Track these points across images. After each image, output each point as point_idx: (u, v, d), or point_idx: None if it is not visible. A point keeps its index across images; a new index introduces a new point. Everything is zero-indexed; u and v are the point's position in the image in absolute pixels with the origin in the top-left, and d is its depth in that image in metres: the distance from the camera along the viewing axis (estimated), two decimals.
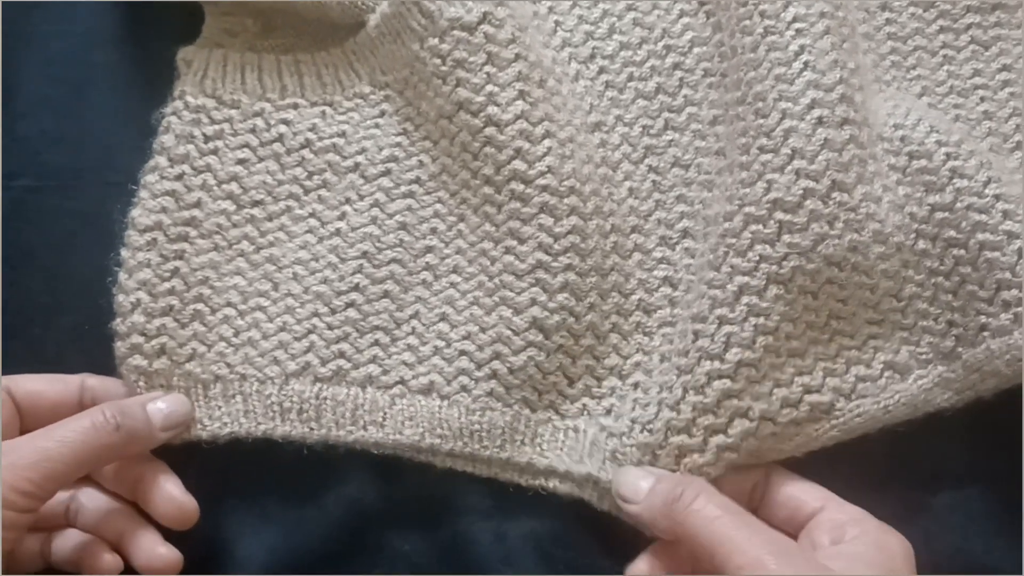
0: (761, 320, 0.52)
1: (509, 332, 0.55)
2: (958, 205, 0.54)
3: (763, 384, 0.53)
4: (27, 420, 0.53)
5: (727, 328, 0.53)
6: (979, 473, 0.55)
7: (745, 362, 0.52)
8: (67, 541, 0.54)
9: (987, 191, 0.53)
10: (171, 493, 0.53)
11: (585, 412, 0.56)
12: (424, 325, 0.57)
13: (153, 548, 0.53)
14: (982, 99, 0.60)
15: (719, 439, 0.52)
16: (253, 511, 0.56)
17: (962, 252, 0.54)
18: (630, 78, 0.60)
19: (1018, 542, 0.54)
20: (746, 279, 0.53)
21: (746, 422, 0.52)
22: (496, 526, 0.55)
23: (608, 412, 0.56)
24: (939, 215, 0.54)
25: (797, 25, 0.55)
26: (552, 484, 0.55)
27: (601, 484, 0.54)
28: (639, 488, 0.52)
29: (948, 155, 0.55)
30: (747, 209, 0.53)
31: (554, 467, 0.55)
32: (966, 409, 0.54)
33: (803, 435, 0.53)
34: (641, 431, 0.54)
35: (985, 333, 0.53)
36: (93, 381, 0.55)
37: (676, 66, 0.60)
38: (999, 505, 0.55)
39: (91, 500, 0.54)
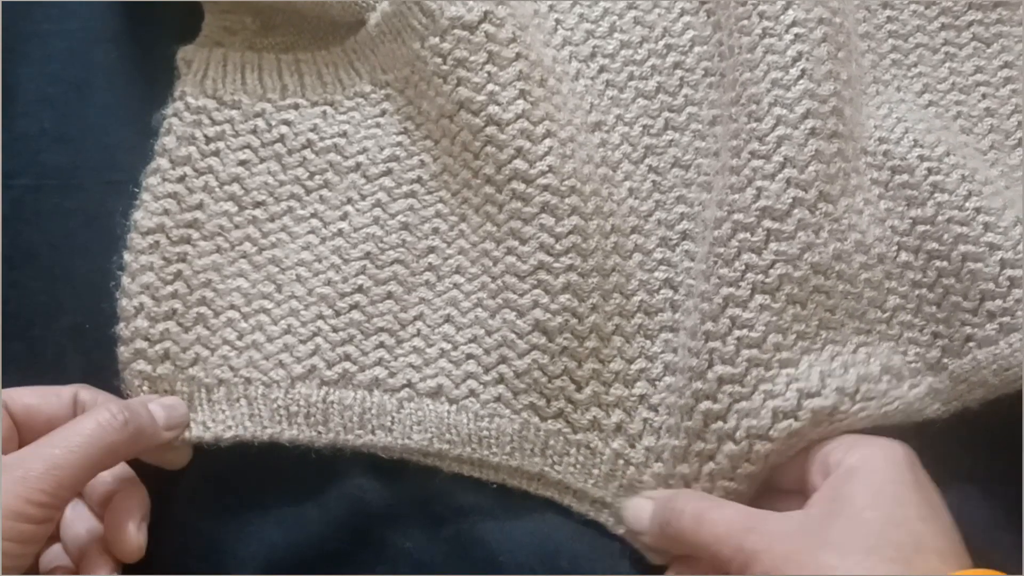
0: (744, 332, 0.52)
1: (513, 335, 0.55)
2: (939, 218, 0.54)
3: (751, 400, 0.52)
4: (24, 435, 0.52)
5: (711, 344, 0.53)
6: (980, 474, 0.55)
7: (726, 378, 0.52)
8: (48, 557, 0.54)
9: (968, 204, 0.54)
10: (125, 526, 0.52)
11: (596, 427, 0.56)
12: (429, 327, 0.57)
13: None
14: (984, 96, 0.60)
15: (710, 466, 0.53)
16: (254, 509, 0.56)
17: (945, 264, 0.54)
18: (631, 77, 0.60)
19: (1019, 543, 0.54)
20: (731, 290, 0.53)
21: (732, 445, 0.52)
22: (500, 525, 0.55)
23: (618, 428, 0.56)
24: (921, 228, 0.55)
25: (796, 30, 0.55)
26: (567, 501, 0.55)
27: (615, 508, 0.55)
28: (643, 519, 0.53)
29: (929, 170, 0.55)
30: (735, 216, 0.54)
31: (568, 483, 0.55)
32: (967, 409, 0.55)
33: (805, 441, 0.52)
34: (656, 460, 0.55)
35: (971, 343, 0.54)
36: (86, 395, 0.54)
37: (677, 65, 0.60)
38: (1000, 506, 0.55)
39: (71, 514, 0.54)
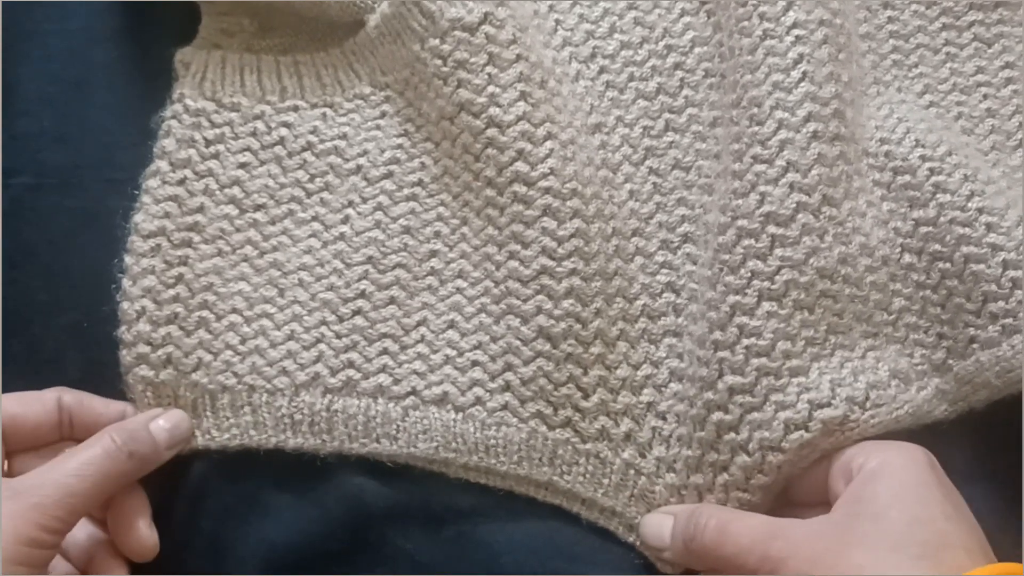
0: (753, 340, 0.52)
1: (518, 342, 0.55)
2: (941, 219, 0.54)
3: (763, 411, 0.52)
4: (10, 445, 0.53)
5: (720, 353, 0.53)
6: (983, 473, 0.55)
7: (737, 388, 0.52)
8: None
9: (970, 205, 0.54)
10: (136, 526, 0.53)
11: (604, 436, 0.55)
12: (433, 332, 0.56)
13: None
14: (985, 96, 0.60)
15: (723, 477, 0.53)
16: (254, 508, 0.56)
17: (948, 265, 0.54)
18: (631, 78, 0.60)
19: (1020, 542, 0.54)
20: (738, 298, 0.53)
21: (745, 457, 0.52)
22: (502, 526, 0.55)
23: (627, 437, 0.55)
24: (923, 229, 0.55)
25: (797, 32, 0.55)
26: (576, 509, 0.55)
27: (625, 517, 0.55)
28: (664, 535, 0.53)
29: (932, 170, 0.55)
30: (740, 222, 0.53)
31: (577, 492, 0.55)
32: (969, 410, 0.55)
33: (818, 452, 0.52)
34: (667, 470, 0.54)
35: (975, 345, 0.54)
36: (69, 398, 0.54)
37: (677, 66, 0.60)
38: (1002, 505, 0.55)
39: None
